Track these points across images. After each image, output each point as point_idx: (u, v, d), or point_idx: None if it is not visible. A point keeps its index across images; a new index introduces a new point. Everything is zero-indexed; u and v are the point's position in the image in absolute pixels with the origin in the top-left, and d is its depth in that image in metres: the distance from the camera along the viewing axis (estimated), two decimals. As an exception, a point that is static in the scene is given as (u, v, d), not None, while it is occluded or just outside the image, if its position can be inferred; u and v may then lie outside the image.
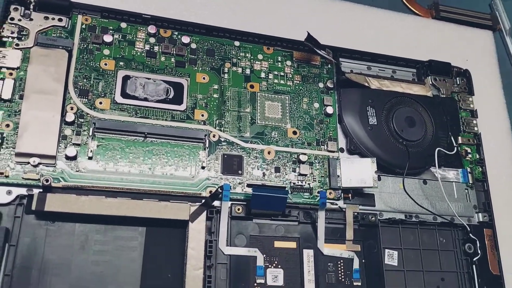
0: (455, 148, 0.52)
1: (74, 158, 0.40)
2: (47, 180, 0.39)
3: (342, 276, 0.44)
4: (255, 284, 0.42)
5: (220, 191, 0.42)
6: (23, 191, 0.38)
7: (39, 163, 0.39)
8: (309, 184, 0.46)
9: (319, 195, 0.45)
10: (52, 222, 0.39)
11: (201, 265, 0.40)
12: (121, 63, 0.45)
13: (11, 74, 0.41)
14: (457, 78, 0.56)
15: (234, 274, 0.41)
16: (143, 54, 0.46)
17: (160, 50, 0.46)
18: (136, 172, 0.41)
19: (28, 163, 0.39)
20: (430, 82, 0.55)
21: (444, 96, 0.55)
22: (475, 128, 0.54)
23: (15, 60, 0.42)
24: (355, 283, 0.44)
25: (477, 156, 0.53)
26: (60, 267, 0.38)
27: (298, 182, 0.46)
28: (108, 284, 0.38)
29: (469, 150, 0.53)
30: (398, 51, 0.56)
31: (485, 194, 0.52)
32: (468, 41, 0.63)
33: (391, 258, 0.47)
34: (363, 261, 0.45)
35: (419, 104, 0.52)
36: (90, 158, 0.41)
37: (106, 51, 0.45)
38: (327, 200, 0.45)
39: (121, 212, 0.39)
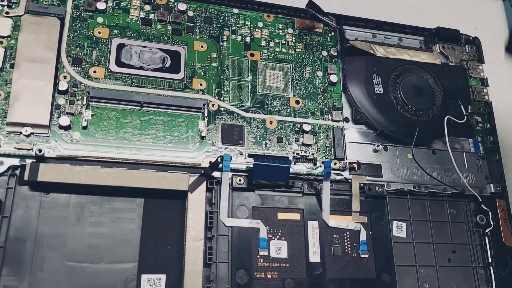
0: (465, 117, 0.49)
1: (67, 127, 0.39)
2: (40, 150, 0.37)
3: (349, 248, 0.43)
4: (258, 256, 0.40)
5: (220, 161, 0.40)
6: (15, 161, 0.37)
7: (32, 133, 0.38)
8: (313, 154, 0.44)
9: (323, 165, 0.43)
10: (46, 193, 0.37)
11: (201, 236, 0.38)
12: (115, 31, 0.43)
13: (1, 42, 0.40)
14: (466, 46, 0.54)
15: (236, 246, 0.40)
16: (138, 22, 0.44)
17: (156, 18, 0.45)
18: (132, 142, 0.40)
19: (20, 133, 0.38)
20: (438, 50, 0.53)
21: (453, 64, 0.53)
22: (486, 97, 0.52)
23: (5, 29, 0.40)
24: (362, 255, 0.43)
25: (488, 126, 0.51)
26: (55, 239, 0.36)
27: (301, 153, 0.44)
28: (105, 257, 0.37)
29: (479, 119, 0.51)
30: (405, 19, 0.54)
31: (497, 164, 0.50)
32: (477, 9, 0.61)
33: (399, 230, 0.45)
34: (370, 233, 0.44)
35: (427, 72, 0.50)
36: (84, 127, 0.39)
37: (100, 19, 0.43)
38: (332, 171, 0.44)
39: (118, 182, 0.37)
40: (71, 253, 0.36)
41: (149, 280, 0.37)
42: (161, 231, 0.38)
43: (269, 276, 0.40)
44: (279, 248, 0.41)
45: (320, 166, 0.44)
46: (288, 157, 0.43)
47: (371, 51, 0.49)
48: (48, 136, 0.38)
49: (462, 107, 0.50)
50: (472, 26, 0.57)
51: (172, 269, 0.37)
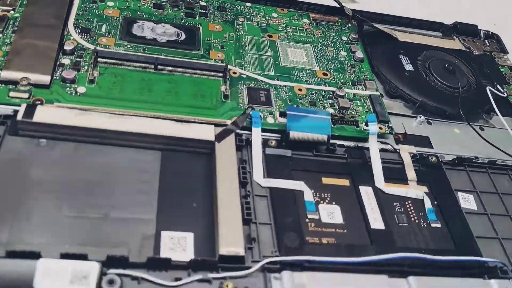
0: (505, 92, 0.45)
1: (72, 81, 0.33)
2: (39, 100, 0.31)
3: (415, 217, 0.34)
4: (307, 220, 0.31)
5: (249, 117, 0.34)
6: (8, 110, 0.31)
7: (29, 84, 0.32)
8: (353, 117, 0.38)
9: (367, 121, 0.37)
10: (39, 140, 0.30)
11: (236, 189, 0.30)
12: (126, 13, 0.41)
13: (7, 12, 0.37)
14: (486, 40, 0.53)
15: (278, 207, 0.31)
16: (149, 7, 0.42)
17: (168, 3, 0.43)
18: (147, 98, 0.34)
19: (17, 83, 0.32)
20: (461, 39, 0.51)
21: (477, 53, 0.50)
22: (519, 82, 0.49)
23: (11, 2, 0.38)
24: (433, 225, 0.34)
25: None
26: (52, 186, 0.28)
27: (340, 115, 0.38)
28: (116, 209, 0.28)
29: (526, 86, 0.47)
30: (421, 14, 0.53)
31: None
32: (495, 3, 0.61)
33: (467, 201, 0.37)
34: (435, 202, 0.36)
35: (454, 56, 0.48)
36: (91, 81, 0.34)
37: (110, 3, 0.41)
38: (378, 139, 0.37)
39: (133, 128, 0.31)
40: (72, 204, 0.28)
41: (171, 239, 0.28)
42: (184, 186, 0.31)
43: (324, 241, 0.31)
44: (331, 213, 0.32)
45: (363, 129, 0.38)
46: (327, 111, 0.37)
47: (394, 35, 0.47)
48: (49, 89, 0.33)
49: (498, 86, 0.46)
50: (491, 22, 0.56)
51: (200, 228, 0.29)
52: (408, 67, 0.44)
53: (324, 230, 0.31)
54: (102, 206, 0.28)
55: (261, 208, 0.31)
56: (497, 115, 0.44)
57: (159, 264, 0.26)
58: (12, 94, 0.31)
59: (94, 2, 0.40)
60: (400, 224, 0.34)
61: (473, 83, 0.46)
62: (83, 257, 0.24)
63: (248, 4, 0.46)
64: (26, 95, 0.32)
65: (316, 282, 0.27)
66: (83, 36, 0.37)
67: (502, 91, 0.46)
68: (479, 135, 0.40)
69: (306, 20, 0.47)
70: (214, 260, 0.26)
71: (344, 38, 0.46)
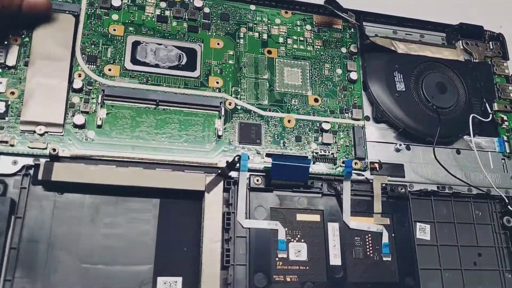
0: (490, 115, 0.48)
1: (82, 126, 0.38)
2: (54, 149, 0.36)
3: (371, 251, 0.41)
4: (277, 259, 0.39)
5: (237, 161, 0.39)
6: (29, 161, 0.36)
7: (46, 132, 0.37)
8: (333, 154, 0.43)
9: (343, 165, 0.42)
10: (60, 193, 0.36)
11: (218, 238, 0.37)
12: (131, 29, 0.42)
13: (16, 40, 0.39)
14: (490, 43, 0.52)
15: (254, 248, 0.38)
16: (153, 19, 0.43)
17: (172, 15, 0.44)
18: (148, 141, 0.39)
19: (34, 132, 0.37)
20: (461, 47, 0.51)
21: (476, 61, 0.51)
22: (511, 94, 0.50)
23: (19, 26, 0.40)
24: (384, 258, 0.41)
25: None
26: (69, 241, 0.35)
27: (321, 152, 0.43)
28: (120, 258, 0.36)
29: (505, 118, 0.49)
30: (427, 15, 0.52)
31: (524, 164, 0.48)
32: (502, 5, 0.59)
33: (423, 232, 0.43)
34: (393, 235, 0.42)
35: (450, 69, 0.49)
36: (99, 126, 0.38)
37: (115, 16, 0.42)
38: (353, 171, 0.42)
39: (133, 182, 0.37)
40: (86, 254, 0.35)
41: (165, 283, 0.36)
42: (177, 233, 0.37)
43: (288, 279, 0.38)
44: (298, 251, 0.39)
45: (341, 166, 0.42)
46: (307, 157, 0.42)
47: (392, 48, 0.48)
48: (62, 135, 0.37)
49: (487, 105, 0.48)
50: (497, 24, 0.55)
51: (189, 272, 0.36)
52: (400, 86, 0.46)
53: (289, 268, 0.39)
54: (109, 258, 0.35)
55: (241, 248, 0.38)
56: (477, 137, 0.47)
57: (154, 308, 0.34)
58: (31, 144, 0.36)
59: (99, 18, 0.42)
60: (356, 258, 0.41)
61: (462, 101, 0.48)
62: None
63: (253, 7, 0.46)
64: (44, 145, 0.37)
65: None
66: (90, 66, 0.40)
67: (489, 112, 0.48)
68: (436, 159, 0.44)
69: (308, 27, 0.47)
70: (196, 307, 0.35)
71: (344, 50, 0.47)
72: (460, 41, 0.51)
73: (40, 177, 0.35)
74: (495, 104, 0.49)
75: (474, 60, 0.51)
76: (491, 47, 0.52)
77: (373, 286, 0.40)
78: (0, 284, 0.33)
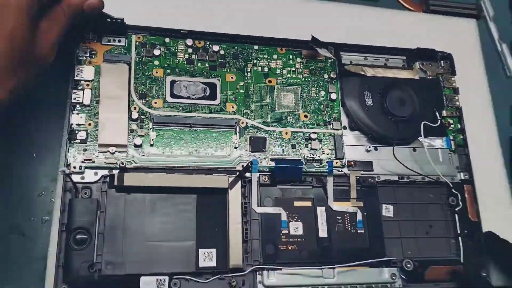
0: (439, 120, 0.63)
1: (140, 145, 0.54)
2: (122, 163, 0.52)
3: (349, 226, 0.57)
4: (281, 234, 0.55)
5: (250, 165, 0.54)
6: (105, 172, 0.52)
7: (116, 151, 0.53)
8: (319, 156, 0.58)
9: (327, 164, 0.57)
10: (128, 194, 0.52)
11: (239, 220, 0.53)
12: (168, 71, 0.58)
13: (88, 85, 0.55)
14: (442, 61, 0.67)
15: (264, 227, 0.54)
16: (184, 62, 0.59)
17: (197, 58, 0.59)
18: (185, 153, 0.55)
19: (108, 151, 0.53)
20: (418, 67, 0.66)
21: (430, 77, 0.66)
22: (457, 103, 0.65)
23: (90, 74, 0.55)
24: (359, 231, 0.57)
25: (459, 126, 0.64)
26: (137, 226, 0.51)
27: (310, 155, 0.58)
28: (172, 237, 0.51)
29: (451, 122, 0.64)
30: (393, 43, 0.67)
31: (466, 157, 0.63)
32: (454, 30, 0.74)
33: (387, 211, 0.59)
34: (365, 214, 0.58)
35: (408, 86, 0.64)
36: (151, 145, 0.54)
37: (156, 62, 0.58)
38: (334, 168, 0.58)
39: (178, 184, 0.52)
40: (149, 235, 0.51)
41: (204, 253, 0.52)
42: (210, 218, 0.53)
43: (289, 248, 0.54)
44: (296, 228, 0.55)
45: (325, 165, 0.58)
46: (301, 159, 0.57)
47: (362, 72, 0.63)
48: (127, 153, 0.53)
49: (437, 113, 0.64)
50: (450, 45, 0.69)
51: (220, 245, 0.52)
52: (369, 102, 0.62)
53: (290, 240, 0.55)
54: (165, 237, 0.51)
55: (255, 227, 0.54)
56: (429, 137, 0.63)
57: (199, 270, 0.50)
58: (106, 160, 0.52)
59: (145, 64, 0.57)
60: (338, 231, 0.56)
61: (417, 111, 0.63)
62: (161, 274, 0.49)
63: (256, 47, 0.62)
64: (115, 161, 0.52)
65: (279, 278, 0.52)
66: (141, 101, 0.56)
67: (438, 118, 0.63)
68: (395, 157, 0.59)
69: (298, 59, 0.62)
70: (227, 269, 0.51)
71: (326, 76, 0.62)
72: (417, 63, 0.66)
73: (115, 183, 0.51)
74: (444, 111, 0.64)
75: (428, 77, 0.66)
76: (442, 65, 0.67)
77: (350, 250, 0.56)
78: (95, 258, 0.49)
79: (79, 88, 0.54)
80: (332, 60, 0.63)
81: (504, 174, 0.68)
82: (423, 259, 0.57)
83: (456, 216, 0.60)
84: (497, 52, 0.77)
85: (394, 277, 0.55)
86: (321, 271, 0.53)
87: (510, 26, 0.80)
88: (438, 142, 0.63)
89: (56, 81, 0.55)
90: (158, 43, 0.58)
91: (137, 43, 0.58)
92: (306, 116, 0.60)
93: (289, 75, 0.61)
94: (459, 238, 0.59)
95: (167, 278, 0.49)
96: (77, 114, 0.53)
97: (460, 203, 0.60)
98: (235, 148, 0.56)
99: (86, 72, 0.55)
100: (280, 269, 0.52)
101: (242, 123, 0.58)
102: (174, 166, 0.54)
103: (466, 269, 0.57)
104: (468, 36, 0.75)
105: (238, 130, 0.57)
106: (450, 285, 0.56)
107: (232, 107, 0.58)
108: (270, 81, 0.60)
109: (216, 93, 0.58)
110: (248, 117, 0.58)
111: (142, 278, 0.48)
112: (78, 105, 0.53)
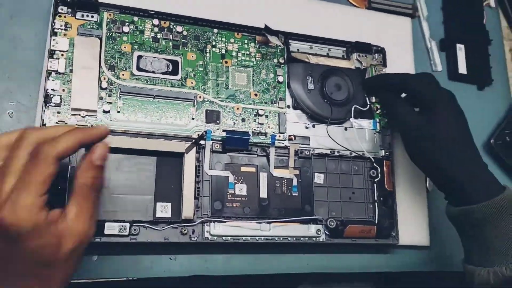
0: (368, 105, 0.74)
1: (108, 111, 0.61)
2: (92, 126, 0.60)
3: (285, 190, 0.67)
4: (228, 193, 0.64)
5: (205, 134, 0.64)
6: (77, 133, 0.60)
7: (86, 115, 0.60)
8: (265, 130, 0.68)
9: (271, 137, 0.67)
10: (97, 153, 0.60)
11: (192, 180, 0.62)
12: (135, 47, 0.65)
13: (62, 55, 0.61)
14: (375, 54, 0.78)
15: (214, 187, 0.64)
16: (150, 40, 0.66)
17: (162, 37, 0.67)
18: (148, 121, 0.63)
19: (79, 115, 0.60)
20: (355, 58, 0.76)
21: (364, 67, 0.77)
22: (385, 91, 0.76)
23: (65, 45, 0.62)
24: (293, 194, 0.68)
25: (384, 111, 0.76)
26: (106, 181, 0.59)
27: (257, 129, 0.68)
28: (134, 191, 0.60)
29: (378, 107, 0.76)
30: (336, 35, 0.77)
31: (389, 137, 0.75)
32: (391, 26, 0.84)
33: (319, 178, 0.70)
34: (299, 180, 0.68)
35: (345, 74, 0.74)
36: (118, 112, 0.62)
37: (125, 38, 0.65)
38: (276, 140, 0.68)
39: (140, 146, 0.61)
40: (114, 188, 0.60)
41: (161, 206, 0.61)
42: (168, 177, 0.62)
43: (234, 205, 0.64)
44: (241, 189, 0.65)
45: (269, 138, 0.68)
46: (248, 132, 0.67)
47: (307, 60, 0.72)
48: (96, 117, 0.61)
49: (367, 98, 0.75)
50: (387, 40, 0.80)
51: (175, 200, 0.61)
52: (311, 86, 0.72)
53: (235, 198, 0.65)
54: (128, 191, 0.60)
55: (206, 187, 0.64)
56: (360, 119, 0.74)
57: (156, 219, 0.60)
58: (77, 123, 0.60)
59: (114, 39, 0.64)
60: (276, 194, 0.67)
61: (351, 95, 0.74)
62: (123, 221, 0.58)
63: (215, 31, 0.70)
64: (86, 124, 0.60)
65: (224, 229, 0.62)
66: (110, 73, 0.63)
67: (368, 103, 0.74)
68: (328, 134, 0.71)
69: (252, 44, 0.71)
70: (179, 220, 0.60)
71: (275, 61, 0.72)
72: (355, 54, 0.77)
73: (86, 143, 0.59)
74: (373, 97, 0.76)
75: (363, 67, 0.77)
76: (376, 58, 0.78)
77: (285, 209, 0.66)
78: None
79: (55, 57, 0.61)
80: (281, 47, 0.73)
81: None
82: (344, 219, 0.68)
83: (375, 186, 0.72)
84: (427, 49, 0.89)
85: (319, 233, 0.67)
86: (259, 225, 0.64)
87: (440, 26, 0.91)
88: (366, 124, 0.74)
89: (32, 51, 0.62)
90: (127, 21, 0.66)
91: (108, 20, 0.65)
92: (256, 95, 0.69)
93: (243, 58, 0.70)
94: (376, 204, 0.71)
95: (128, 224, 0.58)
96: (53, 80, 0.60)
97: (379, 175, 0.72)
98: (192, 118, 0.65)
99: (61, 43, 0.62)
100: (225, 222, 0.62)
101: (200, 97, 0.66)
102: (137, 131, 0.62)
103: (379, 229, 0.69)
104: (403, 33, 0.85)
105: (195, 103, 0.66)
106: (364, 241, 0.68)
107: (192, 83, 0.66)
108: (226, 62, 0.69)
109: (178, 69, 0.66)
110: (205, 92, 0.67)
111: (107, 224, 0.57)
112: (53, 73, 0.60)
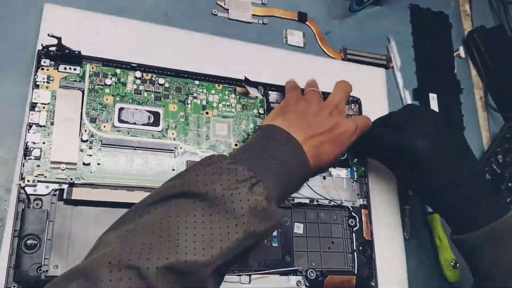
0: (345, 154, 0.76)
1: (88, 164, 0.61)
2: (71, 179, 0.60)
3: (266, 240, 0.68)
4: (208, 245, 0.64)
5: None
6: (56, 186, 0.59)
7: (66, 168, 0.60)
8: (244, 180, 0.69)
9: (251, 187, 0.68)
10: (75, 206, 0.60)
11: (173, 233, 0.62)
12: (117, 99, 0.66)
13: (44, 107, 0.62)
14: (352, 104, 0.80)
15: (194, 239, 0.64)
16: (132, 92, 0.67)
17: (144, 89, 0.68)
18: (130, 173, 0.63)
19: (59, 168, 0.60)
20: (332, 108, 0.79)
21: (342, 118, 0.79)
22: (362, 141, 0.78)
23: (46, 98, 0.62)
24: (273, 245, 0.68)
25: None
26: (82, 236, 0.59)
27: (237, 179, 0.68)
28: (113, 245, 0.60)
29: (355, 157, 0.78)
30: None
31: (366, 186, 0.76)
32: (366, 77, 0.87)
33: (298, 228, 0.70)
34: (279, 230, 0.69)
35: (323, 124, 0.76)
36: (99, 164, 0.62)
37: (107, 90, 0.66)
38: (256, 191, 0.68)
39: (120, 199, 0.60)
40: (92, 243, 0.59)
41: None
42: (147, 230, 0.62)
43: (214, 257, 0.64)
44: (221, 240, 0.65)
45: (249, 188, 0.68)
46: (228, 182, 0.67)
47: (286, 111, 0.74)
48: (75, 170, 0.61)
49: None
50: (362, 90, 0.82)
51: (155, 253, 0.61)
52: (290, 136, 0.73)
53: (215, 250, 0.65)
54: (108, 244, 0.59)
55: (185, 239, 0.63)
56: (339, 168, 0.75)
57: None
58: (57, 176, 0.59)
59: (96, 92, 0.65)
60: (256, 245, 0.67)
61: (329, 145, 0.75)
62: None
63: (197, 82, 0.71)
64: (65, 177, 0.60)
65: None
66: (92, 124, 0.63)
67: (345, 154, 0.76)
68: (307, 184, 0.72)
69: (233, 96, 0.73)
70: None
71: (255, 111, 0.73)
72: (332, 104, 0.79)
73: (64, 197, 0.58)
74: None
75: (341, 117, 0.79)
76: (352, 108, 0.80)
77: (265, 261, 0.66)
78: (43, 261, 0.56)
79: (36, 110, 0.61)
80: (261, 98, 0.74)
81: (396, 200, 0.81)
82: (324, 269, 0.69)
83: (354, 235, 0.73)
84: (401, 98, 0.92)
85: (299, 284, 0.67)
86: (239, 277, 0.64)
87: (413, 76, 0.95)
88: (344, 173, 0.76)
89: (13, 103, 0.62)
90: (110, 73, 0.66)
91: (91, 72, 0.65)
92: (236, 145, 0.70)
93: (224, 109, 0.72)
94: (355, 253, 0.72)
95: (107, 280, 0.57)
96: (33, 133, 0.60)
97: (358, 224, 0.73)
98: (173, 170, 0.65)
99: (43, 96, 0.62)
100: (205, 275, 0.62)
101: (181, 148, 0.67)
102: (118, 184, 0.62)
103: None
104: (377, 82, 0.89)
105: (176, 154, 0.66)
106: (344, 292, 0.69)
107: (173, 134, 0.67)
108: (207, 113, 0.70)
109: (159, 120, 0.67)
110: (186, 143, 0.67)
111: (85, 280, 0.56)
112: (34, 125, 0.60)
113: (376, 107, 0.85)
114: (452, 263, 0.76)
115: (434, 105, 0.92)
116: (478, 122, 0.96)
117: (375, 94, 0.87)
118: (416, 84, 0.94)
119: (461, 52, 1.00)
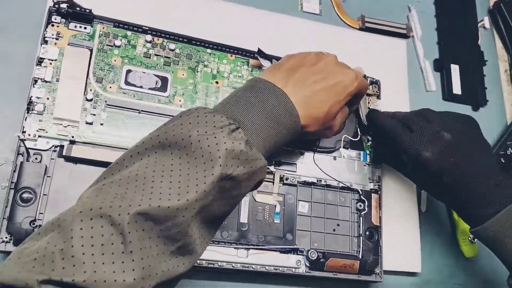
0: (359, 136, 0.73)
1: (91, 123, 0.60)
2: (72, 137, 0.59)
3: (267, 216, 0.65)
4: (206, 216, 0.62)
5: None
6: (57, 142, 0.59)
7: (68, 125, 0.59)
8: (250, 153, 0.67)
9: (256, 161, 0.66)
10: (75, 164, 0.59)
11: (171, 199, 0.60)
12: (126, 61, 0.65)
13: (51, 63, 0.61)
14: (371, 86, 0.77)
15: (192, 208, 0.62)
16: (141, 55, 0.66)
17: (154, 53, 0.66)
18: (131, 136, 0.62)
19: (61, 124, 0.59)
20: (349, 88, 0.75)
21: (359, 99, 0.75)
22: (378, 124, 0.75)
23: (54, 54, 0.61)
24: (275, 221, 0.66)
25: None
26: (79, 194, 0.58)
27: (242, 151, 0.66)
28: (110, 206, 0.59)
29: (369, 138, 0.74)
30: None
31: (378, 170, 0.73)
32: (386, 47, 0.83)
33: (303, 207, 0.68)
34: (283, 208, 0.67)
35: (337, 103, 0.73)
36: (101, 124, 0.61)
37: (116, 51, 0.65)
38: (262, 165, 0.66)
39: (120, 161, 0.59)
40: (89, 202, 0.58)
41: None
42: (145, 194, 0.60)
43: (212, 228, 0.62)
44: (220, 212, 0.63)
45: (254, 161, 0.66)
46: (233, 154, 0.65)
47: (299, 86, 0.71)
48: (78, 128, 0.60)
49: (358, 129, 0.73)
50: (381, 62, 0.79)
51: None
52: (301, 112, 0.70)
53: (214, 221, 0.63)
54: (104, 204, 0.58)
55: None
56: (351, 149, 0.72)
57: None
58: (59, 132, 0.59)
59: (105, 52, 0.64)
60: (257, 220, 0.65)
61: (342, 125, 0.72)
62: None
63: (209, 51, 0.69)
64: (67, 134, 0.59)
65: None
66: (98, 85, 0.62)
67: (359, 134, 0.73)
68: (315, 162, 0.69)
69: (245, 67, 0.71)
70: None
71: (266, 84, 0.71)
72: (349, 84, 0.76)
73: (64, 153, 0.58)
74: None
75: (357, 98, 0.75)
76: (371, 89, 0.77)
77: (265, 237, 0.64)
78: (37, 215, 0.56)
79: (43, 65, 0.60)
80: (273, 70, 0.72)
81: (414, 187, 0.77)
82: (326, 251, 0.66)
83: (361, 219, 0.70)
84: (421, 69, 0.88)
85: (299, 263, 0.64)
86: (236, 251, 0.62)
87: (434, 46, 0.90)
88: (356, 155, 0.73)
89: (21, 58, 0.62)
90: (120, 34, 0.65)
91: (101, 32, 0.65)
92: (243, 117, 0.68)
93: (235, 79, 0.70)
94: (361, 237, 0.69)
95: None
96: (38, 88, 0.60)
97: (366, 208, 0.70)
98: (177, 136, 0.64)
99: (50, 52, 0.61)
100: (200, 245, 0.60)
101: (186, 115, 0.65)
102: (119, 145, 0.61)
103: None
104: (397, 53, 0.85)
105: (181, 121, 0.64)
106: (345, 276, 0.66)
107: (180, 101, 0.66)
108: (217, 82, 0.68)
109: (167, 86, 0.66)
110: (192, 111, 0.66)
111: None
112: (39, 80, 0.60)
113: (395, 78, 0.82)
114: (469, 238, 0.73)
115: (455, 76, 0.87)
116: (502, 95, 0.91)
117: (394, 65, 0.83)
118: (437, 54, 0.89)
119: (486, 22, 0.94)
